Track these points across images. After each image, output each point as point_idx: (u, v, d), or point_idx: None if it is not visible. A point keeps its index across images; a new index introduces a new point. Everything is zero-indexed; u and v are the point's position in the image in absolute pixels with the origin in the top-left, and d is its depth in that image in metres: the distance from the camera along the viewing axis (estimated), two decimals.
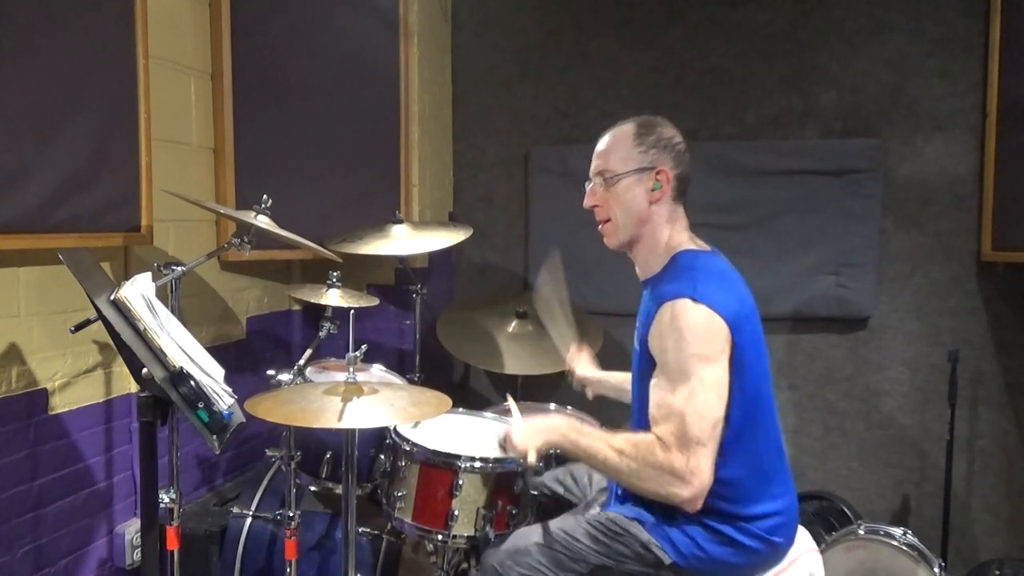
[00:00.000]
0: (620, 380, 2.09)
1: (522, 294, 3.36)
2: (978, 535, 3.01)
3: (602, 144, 1.76)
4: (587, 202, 1.78)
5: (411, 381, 2.70)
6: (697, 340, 1.51)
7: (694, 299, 1.53)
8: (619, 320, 3.04)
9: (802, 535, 1.75)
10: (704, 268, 1.64)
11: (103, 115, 2.08)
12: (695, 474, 1.49)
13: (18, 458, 1.97)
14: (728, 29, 3.16)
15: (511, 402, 2.08)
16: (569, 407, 2.60)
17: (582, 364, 2.20)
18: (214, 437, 1.51)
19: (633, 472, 1.54)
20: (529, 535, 1.73)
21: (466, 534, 1.85)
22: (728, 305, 1.55)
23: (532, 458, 1.69)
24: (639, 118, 1.75)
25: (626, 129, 1.73)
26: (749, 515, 1.60)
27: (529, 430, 1.73)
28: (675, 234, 1.72)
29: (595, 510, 1.78)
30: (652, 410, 1.56)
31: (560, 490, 2.05)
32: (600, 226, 1.78)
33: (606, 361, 2.24)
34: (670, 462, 1.50)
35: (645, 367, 1.64)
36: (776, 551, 1.65)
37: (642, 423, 1.68)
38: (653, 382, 1.58)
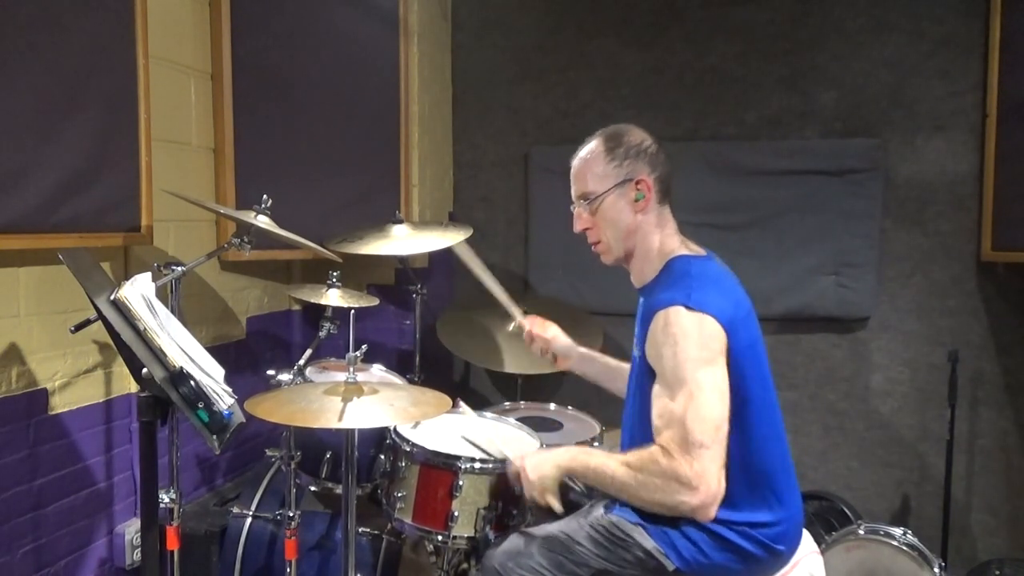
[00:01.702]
0: (615, 366, 2.07)
1: (522, 294, 3.36)
2: (978, 535, 3.01)
3: (576, 167, 1.76)
4: (577, 227, 1.78)
5: (411, 381, 2.70)
6: (692, 345, 1.50)
7: (688, 306, 1.52)
8: (619, 320, 3.04)
9: (804, 538, 1.75)
10: (699, 274, 1.63)
11: (103, 115, 2.08)
12: (701, 478, 1.46)
13: (18, 458, 1.97)
14: (728, 29, 3.16)
15: (463, 406, 2.06)
16: (570, 407, 2.60)
17: (554, 329, 2.15)
18: (214, 437, 1.51)
19: (640, 484, 1.52)
20: (531, 537, 1.72)
21: (466, 535, 1.85)
22: (723, 309, 1.54)
23: (559, 508, 1.70)
24: (604, 132, 1.74)
25: (594, 147, 1.73)
26: (753, 522, 1.59)
27: (541, 461, 1.71)
28: (666, 239, 1.71)
29: (598, 512, 1.77)
30: (655, 420, 1.55)
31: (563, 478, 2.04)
32: (593, 247, 1.78)
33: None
34: (673, 469, 1.47)
35: (644, 376, 1.63)
36: (779, 558, 1.65)
37: (636, 429, 1.68)
38: (654, 392, 1.57)
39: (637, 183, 1.68)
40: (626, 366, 2.06)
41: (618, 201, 1.69)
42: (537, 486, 1.70)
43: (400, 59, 3.05)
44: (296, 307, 3.20)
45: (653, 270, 1.71)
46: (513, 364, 2.83)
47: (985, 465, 2.99)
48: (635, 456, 1.55)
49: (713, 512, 1.50)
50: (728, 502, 1.56)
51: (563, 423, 2.52)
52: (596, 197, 1.70)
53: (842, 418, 3.14)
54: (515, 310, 2.25)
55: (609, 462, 1.59)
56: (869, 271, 3.03)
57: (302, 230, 2.14)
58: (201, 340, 1.78)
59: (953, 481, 2.75)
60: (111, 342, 2.06)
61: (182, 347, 1.54)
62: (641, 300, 1.75)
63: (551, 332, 2.16)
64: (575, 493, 2.04)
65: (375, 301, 2.46)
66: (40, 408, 2.04)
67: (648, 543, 1.61)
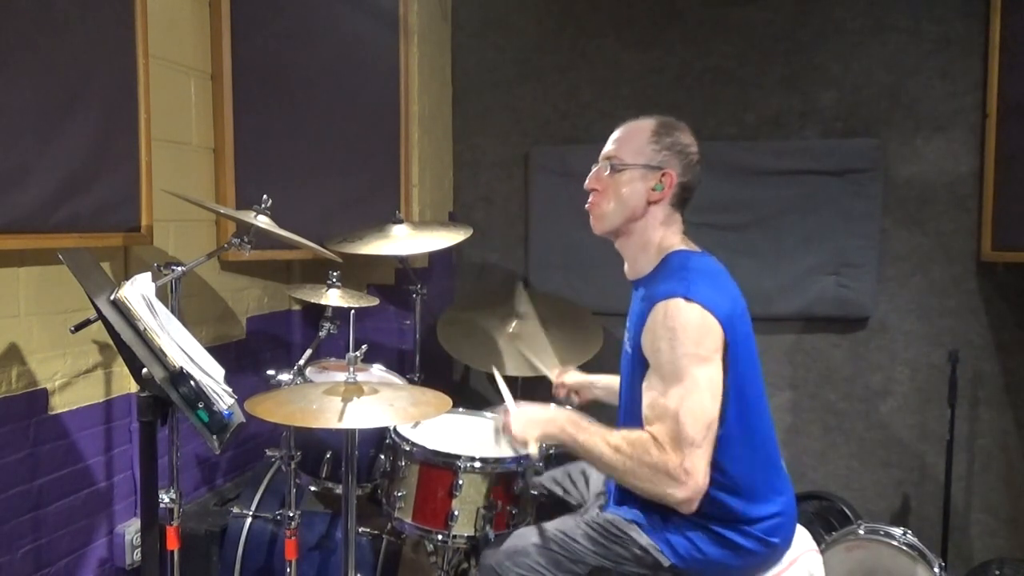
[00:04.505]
0: (608, 382, 2.10)
1: (522, 294, 3.37)
2: (978, 535, 3.01)
3: (619, 132, 1.76)
4: (588, 183, 1.76)
5: (411, 381, 2.70)
6: (690, 340, 1.51)
7: (687, 298, 1.52)
8: (619, 320, 3.03)
9: (802, 535, 1.75)
10: (697, 268, 1.63)
11: (103, 115, 2.08)
12: (690, 475, 1.48)
13: (18, 458, 1.97)
14: (728, 29, 3.16)
15: (498, 377, 2.06)
16: (569, 407, 2.60)
17: (570, 374, 2.23)
18: (214, 437, 1.51)
19: (628, 470, 1.53)
20: (528, 536, 1.73)
21: (466, 534, 1.85)
22: (721, 305, 1.55)
23: (534, 451, 1.67)
24: (664, 117, 1.75)
25: (646, 124, 1.73)
26: (748, 517, 1.60)
27: (528, 420, 1.69)
28: (668, 236, 1.72)
29: (594, 512, 1.78)
30: (645, 410, 1.56)
31: (559, 491, 2.04)
32: (589, 204, 1.76)
33: (606, 361, 2.25)
34: (664, 462, 1.48)
35: (637, 369, 1.63)
36: (774, 552, 1.65)
37: (629, 424, 1.67)
38: (646, 383, 1.58)
39: (663, 175, 1.68)
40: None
41: (637, 181, 1.69)
42: (518, 438, 1.68)
43: (400, 59, 3.05)
44: (296, 307, 3.20)
45: (650, 263, 1.71)
46: (513, 365, 2.83)
47: (985, 465, 2.99)
48: (626, 440, 1.55)
49: (695, 506, 1.52)
50: (723, 499, 1.57)
51: None
52: (621, 165, 1.70)
53: (842, 418, 3.14)
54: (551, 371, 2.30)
55: (599, 442, 1.58)
56: (869, 271, 3.03)
57: (302, 230, 2.14)
58: (201, 340, 1.78)
59: (953, 481, 2.75)
60: (111, 342, 2.06)
61: (182, 347, 1.54)
62: (634, 293, 1.75)
63: (572, 376, 2.22)
64: (572, 493, 2.04)
65: (375, 301, 2.46)
66: (40, 408, 2.04)
67: (644, 540, 1.62)
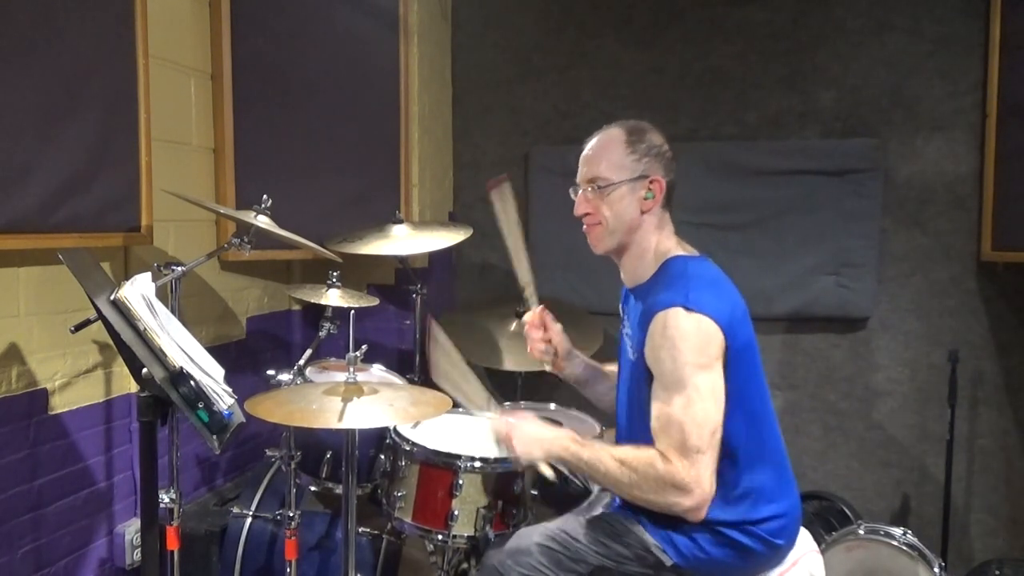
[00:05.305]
0: (604, 369, 2.02)
1: (522, 294, 3.36)
2: (978, 535, 3.01)
3: (591, 150, 1.73)
4: (579, 210, 1.74)
5: (411, 381, 2.70)
6: (691, 349, 1.50)
7: (686, 307, 1.52)
8: (619, 320, 3.04)
9: (803, 536, 1.75)
10: (695, 275, 1.63)
11: (103, 115, 2.08)
12: (697, 483, 1.48)
13: (18, 458, 1.97)
14: (728, 29, 3.16)
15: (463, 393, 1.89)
16: (573, 408, 2.59)
17: (558, 331, 2.00)
18: (214, 437, 1.51)
19: (634, 483, 1.52)
20: (530, 535, 1.73)
21: (466, 534, 1.85)
22: (721, 311, 1.55)
23: (549, 473, 1.67)
24: (626, 123, 1.72)
25: (615, 135, 1.70)
26: (752, 519, 1.60)
27: (532, 438, 1.67)
28: (663, 240, 1.71)
29: (597, 511, 1.78)
30: (653, 423, 1.55)
31: (565, 470, 2.03)
32: (586, 228, 1.75)
33: (605, 361, 2.24)
34: (671, 473, 1.48)
35: (641, 377, 1.63)
36: (777, 552, 1.65)
37: (632, 431, 1.68)
38: (652, 395, 1.57)
39: (651, 182, 1.67)
40: (607, 368, 2.04)
41: (628, 195, 1.68)
42: (523, 460, 1.67)
43: (400, 59, 3.05)
44: (296, 307, 3.20)
45: (648, 271, 1.70)
46: (513, 364, 2.83)
47: (985, 465, 2.99)
48: (632, 454, 1.54)
49: (703, 514, 1.52)
50: (727, 500, 1.57)
51: (564, 423, 2.51)
52: (608, 185, 1.68)
53: (842, 418, 3.14)
54: (533, 293, 2.11)
55: (603, 456, 1.57)
56: (869, 271, 3.03)
57: (302, 230, 2.14)
58: (201, 340, 1.78)
59: (953, 481, 2.75)
60: (111, 342, 2.06)
61: (182, 347, 1.54)
62: (633, 301, 1.75)
63: (559, 327, 2.04)
64: (575, 487, 2.04)
65: (375, 301, 2.46)
66: (40, 408, 2.04)
67: (646, 539, 1.62)
